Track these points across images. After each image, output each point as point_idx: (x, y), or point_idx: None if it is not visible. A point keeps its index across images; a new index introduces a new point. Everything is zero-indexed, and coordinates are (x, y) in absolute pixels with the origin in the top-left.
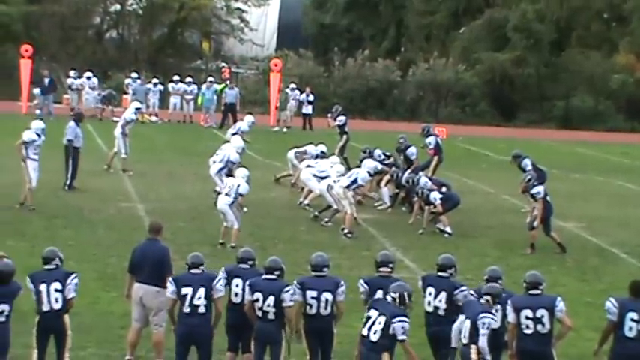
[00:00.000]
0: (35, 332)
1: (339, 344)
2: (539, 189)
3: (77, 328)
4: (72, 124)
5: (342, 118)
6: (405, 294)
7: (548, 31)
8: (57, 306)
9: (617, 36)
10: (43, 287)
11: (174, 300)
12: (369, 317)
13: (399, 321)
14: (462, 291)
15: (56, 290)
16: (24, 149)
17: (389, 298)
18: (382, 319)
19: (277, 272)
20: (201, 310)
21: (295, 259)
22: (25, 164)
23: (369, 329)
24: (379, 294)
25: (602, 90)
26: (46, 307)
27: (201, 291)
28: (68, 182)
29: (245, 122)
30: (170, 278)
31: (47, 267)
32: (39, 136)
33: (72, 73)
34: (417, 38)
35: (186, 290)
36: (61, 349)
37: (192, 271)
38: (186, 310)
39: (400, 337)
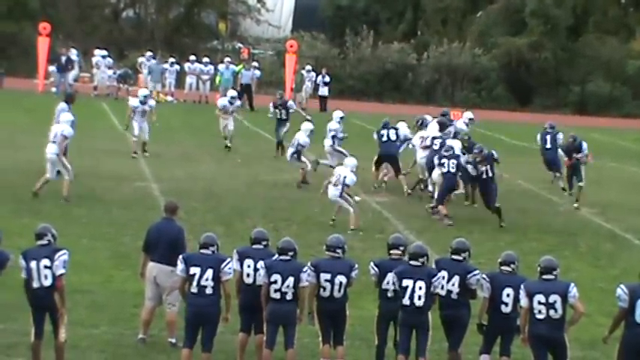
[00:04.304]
0: (31, 310)
1: (351, 326)
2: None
3: (90, 306)
4: (63, 105)
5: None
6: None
7: (566, 16)
8: (46, 283)
9: (635, 22)
10: (33, 264)
11: (184, 278)
12: (405, 287)
13: (439, 278)
14: (474, 275)
15: (45, 267)
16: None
17: (413, 263)
18: (421, 284)
19: (291, 253)
20: (209, 291)
21: (309, 241)
22: (63, 157)
23: (411, 298)
24: (389, 277)
25: (618, 76)
26: (36, 284)
27: (209, 272)
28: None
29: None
30: (180, 256)
31: (39, 243)
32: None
33: (96, 52)
34: (433, 21)
35: (195, 270)
36: (56, 326)
37: (203, 251)
38: (194, 290)
39: (438, 291)
